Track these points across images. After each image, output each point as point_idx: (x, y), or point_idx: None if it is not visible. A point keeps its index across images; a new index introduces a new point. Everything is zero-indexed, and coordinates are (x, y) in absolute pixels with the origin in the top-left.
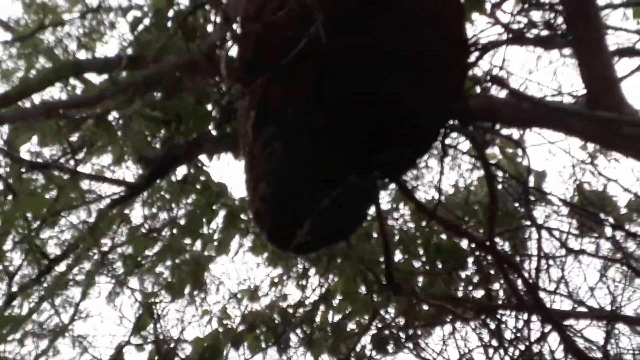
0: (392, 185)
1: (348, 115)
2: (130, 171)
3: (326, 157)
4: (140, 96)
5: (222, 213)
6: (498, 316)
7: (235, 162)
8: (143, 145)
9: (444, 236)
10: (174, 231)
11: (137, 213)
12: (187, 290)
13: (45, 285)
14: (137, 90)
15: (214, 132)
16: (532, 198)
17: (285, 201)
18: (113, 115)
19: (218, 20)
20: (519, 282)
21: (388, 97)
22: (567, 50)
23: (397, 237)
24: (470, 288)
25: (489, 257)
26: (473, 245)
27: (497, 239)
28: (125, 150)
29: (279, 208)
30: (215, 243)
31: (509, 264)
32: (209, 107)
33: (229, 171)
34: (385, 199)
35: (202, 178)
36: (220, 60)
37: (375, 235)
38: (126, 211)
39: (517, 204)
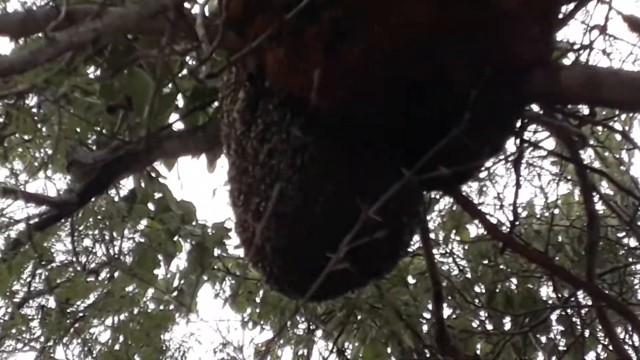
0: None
1: (383, 95)
2: (54, 183)
3: (360, 159)
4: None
5: (186, 247)
6: None
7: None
8: (75, 143)
9: (514, 281)
10: (118, 274)
11: (63, 246)
12: None
13: None
14: (81, 55)
15: (178, 125)
16: None
17: (298, 223)
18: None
19: None
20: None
21: (444, 71)
22: None
23: (444, 283)
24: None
25: (584, 310)
26: (560, 294)
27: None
28: (50, 151)
29: (287, 235)
30: (177, 292)
31: (626, 316)
32: (171, 87)
33: (197, 185)
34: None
35: (158, 195)
36: (196, 14)
37: (411, 278)
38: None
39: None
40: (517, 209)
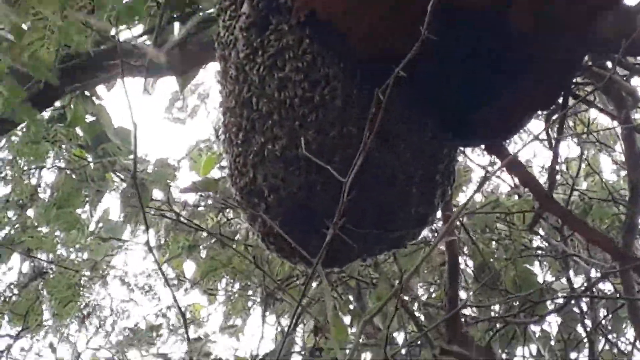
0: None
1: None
2: None
3: (389, 100)
4: None
5: (121, 186)
6: None
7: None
8: None
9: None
10: (32, 212)
11: None
12: (48, 320)
13: None
14: None
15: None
16: None
17: (312, 172)
18: None
19: None
20: None
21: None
22: None
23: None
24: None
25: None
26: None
27: None
28: None
29: (298, 185)
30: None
31: None
32: None
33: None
34: None
35: (91, 117)
36: None
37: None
38: None
39: None
40: (554, 172)
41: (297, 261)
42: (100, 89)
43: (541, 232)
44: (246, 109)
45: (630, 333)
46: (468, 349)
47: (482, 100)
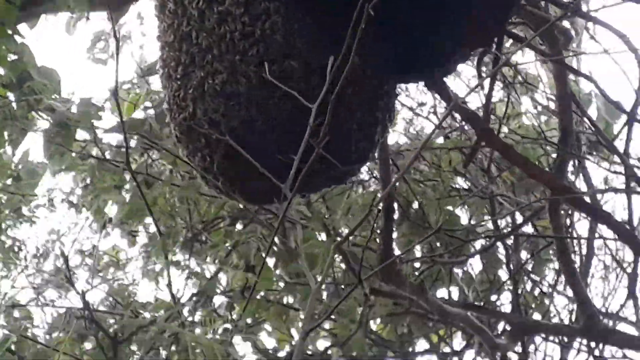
0: None
1: None
2: None
3: (332, 34)
4: None
5: (43, 125)
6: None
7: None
8: None
9: None
10: None
11: None
12: None
13: None
14: None
15: None
16: None
17: (253, 107)
18: None
19: None
20: None
21: None
22: None
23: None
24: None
25: None
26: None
27: None
28: None
29: (239, 119)
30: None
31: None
32: None
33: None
34: None
35: (13, 56)
36: None
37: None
38: None
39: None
40: (489, 109)
41: (236, 197)
42: (23, 27)
43: (468, 177)
44: (185, 43)
45: (550, 275)
46: (402, 288)
47: (421, 36)
